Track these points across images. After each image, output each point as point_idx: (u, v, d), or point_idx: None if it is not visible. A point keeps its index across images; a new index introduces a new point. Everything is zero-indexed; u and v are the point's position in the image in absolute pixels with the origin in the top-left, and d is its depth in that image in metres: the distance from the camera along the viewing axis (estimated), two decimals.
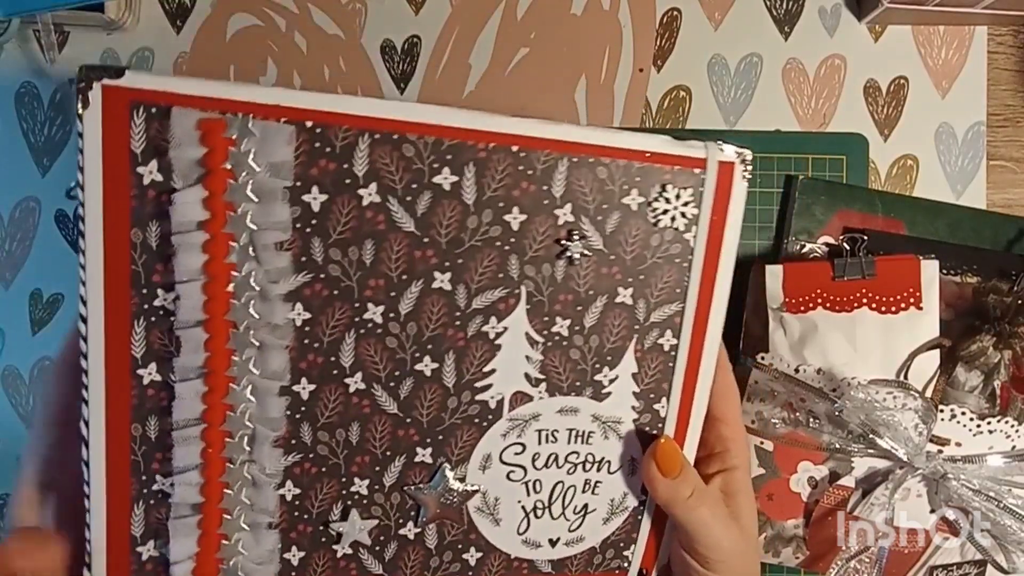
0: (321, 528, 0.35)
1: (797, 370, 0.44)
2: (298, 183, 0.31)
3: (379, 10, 0.50)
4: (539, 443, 0.36)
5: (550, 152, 0.33)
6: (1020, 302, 0.43)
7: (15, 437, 0.50)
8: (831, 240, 0.48)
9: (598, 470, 0.37)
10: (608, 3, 0.51)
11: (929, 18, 0.49)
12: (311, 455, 0.34)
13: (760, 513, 0.45)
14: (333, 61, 0.50)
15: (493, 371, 0.35)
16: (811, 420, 0.44)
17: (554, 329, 0.35)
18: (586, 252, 0.34)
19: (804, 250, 0.48)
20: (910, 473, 0.43)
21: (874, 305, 0.45)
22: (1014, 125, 0.50)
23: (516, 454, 0.36)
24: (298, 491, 0.35)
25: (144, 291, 0.31)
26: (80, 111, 0.30)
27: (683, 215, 0.35)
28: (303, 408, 0.34)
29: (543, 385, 0.36)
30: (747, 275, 0.48)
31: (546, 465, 0.37)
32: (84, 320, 0.31)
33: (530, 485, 0.37)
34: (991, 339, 0.44)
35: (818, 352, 0.44)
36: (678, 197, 0.34)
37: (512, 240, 0.34)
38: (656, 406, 0.37)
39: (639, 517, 0.38)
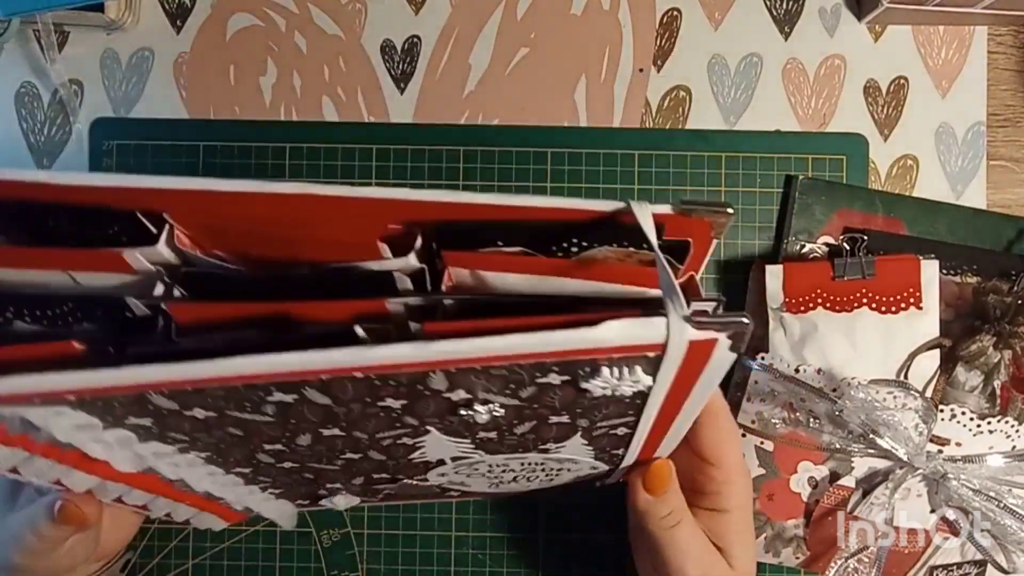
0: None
1: (797, 370, 0.44)
2: None
3: (379, 10, 0.50)
4: (490, 470, 0.34)
5: (413, 371, 0.23)
6: (1020, 302, 0.43)
7: None
8: (831, 240, 0.48)
9: (568, 471, 0.36)
10: (608, 3, 0.51)
11: (929, 18, 0.49)
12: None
13: (760, 513, 0.45)
14: (333, 61, 0.50)
15: (423, 450, 0.30)
16: (811, 420, 0.44)
17: (481, 435, 0.29)
18: (495, 413, 0.26)
19: (804, 250, 0.48)
20: (910, 473, 0.43)
21: (874, 305, 0.45)
22: (1014, 125, 0.50)
23: (469, 476, 0.35)
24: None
25: None
26: None
27: (632, 384, 0.25)
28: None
29: (481, 451, 0.31)
30: (747, 275, 0.48)
31: (504, 477, 0.36)
32: None
33: (493, 478, 0.36)
34: (991, 339, 0.44)
35: (818, 352, 0.44)
36: (620, 378, 0.24)
37: (395, 415, 0.26)
38: (615, 452, 0.33)
39: (621, 466, 0.36)
